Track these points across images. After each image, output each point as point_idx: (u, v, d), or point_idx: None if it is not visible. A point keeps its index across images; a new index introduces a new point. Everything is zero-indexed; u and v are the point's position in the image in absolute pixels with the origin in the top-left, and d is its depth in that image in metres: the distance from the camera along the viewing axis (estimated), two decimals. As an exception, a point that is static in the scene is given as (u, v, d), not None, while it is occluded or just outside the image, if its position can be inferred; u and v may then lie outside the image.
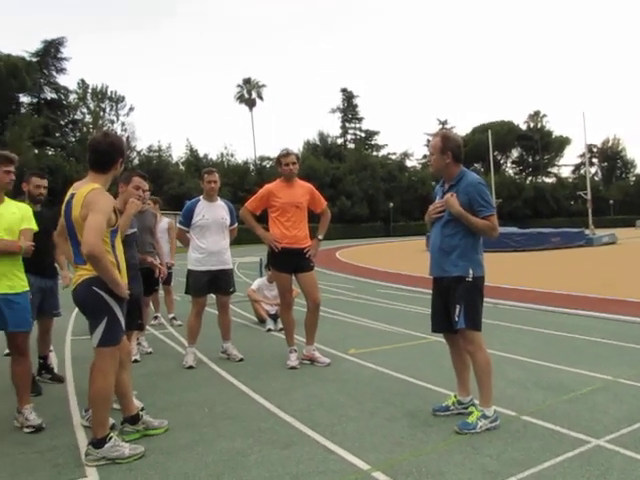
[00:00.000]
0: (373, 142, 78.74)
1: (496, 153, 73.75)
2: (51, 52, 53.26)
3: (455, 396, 4.03)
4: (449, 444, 3.45)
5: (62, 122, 54.08)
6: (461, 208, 3.72)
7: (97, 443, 3.30)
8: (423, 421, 3.87)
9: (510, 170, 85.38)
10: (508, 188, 68.28)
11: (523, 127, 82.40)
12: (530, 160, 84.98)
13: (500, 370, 4.95)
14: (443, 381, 4.70)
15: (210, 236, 5.74)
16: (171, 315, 8.42)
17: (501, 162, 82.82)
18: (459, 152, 3.84)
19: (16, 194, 4.77)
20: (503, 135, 74.25)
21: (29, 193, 4.99)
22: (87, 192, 3.26)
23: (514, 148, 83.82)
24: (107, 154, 3.42)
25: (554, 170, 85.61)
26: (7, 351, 4.57)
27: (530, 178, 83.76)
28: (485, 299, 3.89)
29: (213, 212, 5.80)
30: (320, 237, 5.72)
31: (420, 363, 5.49)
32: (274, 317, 7.77)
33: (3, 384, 4.75)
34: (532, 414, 3.91)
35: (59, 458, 3.41)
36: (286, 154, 5.55)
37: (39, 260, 4.34)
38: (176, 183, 51.77)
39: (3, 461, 3.39)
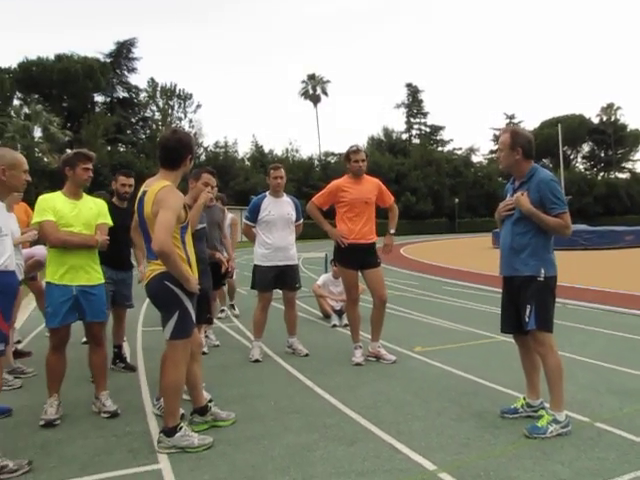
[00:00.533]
0: (438, 137, 77.42)
1: (566, 148, 70.93)
2: (123, 53, 55.41)
3: (524, 398, 3.92)
4: (518, 448, 3.36)
5: (133, 120, 56.14)
6: (532, 207, 3.60)
7: (168, 432, 3.42)
8: (491, 423, 3.79)
9: (580, 166, 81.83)
10: (578, 184, 65.49)
11: (595, 120, 78.72)
12: (602, 155, 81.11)
13: (570, 373, 4.77)
14: (511, 382, 4.58)
15: (276, 232, 5.81)
16: (232, 302, 8.78)
17: (571, 157, 79.48)
18: (530, 148, 3.72)
19: (92, 190, 5.01)
20: (573, 129, 71.15)
21: (116, 191, 5.25)
22: (158, 189, 3.36)
23: (585, 142, 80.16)
24: (176, 151, 3.50)
25: (628, 165, 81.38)
26: (84, 339, 4.82)
27: (602, 174, 79.96)
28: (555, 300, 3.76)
29: (279, 208, 5.87)
30: (392, 231, 5.70)
31: (488, 363, 5.37)
32: (339, 313, 7.79)
33: (81, 371, 5.00)
34: (607, 421, 3.75)
35: (134, 443, 3.56)
36: (356, 150, 5.54)
37: (114, 253, 4.52)
38: (242, 179, 52.66)
39: (84, 443, 3.59)
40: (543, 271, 3.63)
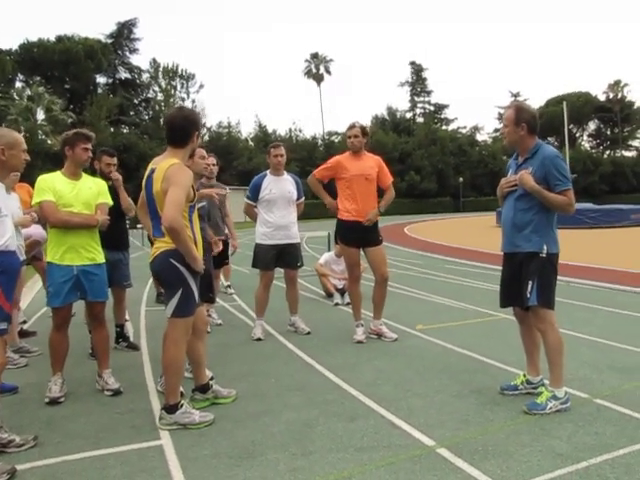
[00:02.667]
0: (442, 116, 76.79)
1: (571, 126, 70.15)
2: (124, 33, 55.08)
3: (524, 375, 3.94)
4: (517, 424, 3.38)
5: (135, 101, 56.01)
6: (535, 184, 3.57)
7: (169, 409, 3.45)
8: (491, 399, 3.81)
9: (586, 144, 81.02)
10: (584, 163, 64.84)
11: (601, 98, 77.70)
12: (608, 133, 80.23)
13: (572, 350, 4.78)
14: (512, 360, 4.59)
15: (277, 210, 5.80)
16: (227, 283, 8.87)
17: (577, 135, 78.63)
18: (534, 123, 3.68)
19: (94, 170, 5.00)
20: (579, 107, 70.27)
21: (100, 171, 5.20)
22: (167, 167, 3.35)
23: (591, 120, 79.18)
24: (183, 128, 3.49)
25: (635, 143, 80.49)
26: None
27: (608, 152, 79.21)
28: (558, 277, 3.75)
29: (280, 186, 5.85)
30: (381, 209, 5.58)
31: (489, 340, 5.38)
32: (341, 291, 7.82)
33: (85, 350, 5.04)
34: (606, 397, 3.76)
35: (136, 420, 3.60)
36: (351, 126, 5.52)
37: (110, 233, 4.53)
38: (245, 159, 52.56)
39: (88, 419, 3.64)
40: (545, 248, 3.61)
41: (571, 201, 3.59)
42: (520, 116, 3.65)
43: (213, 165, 6.14)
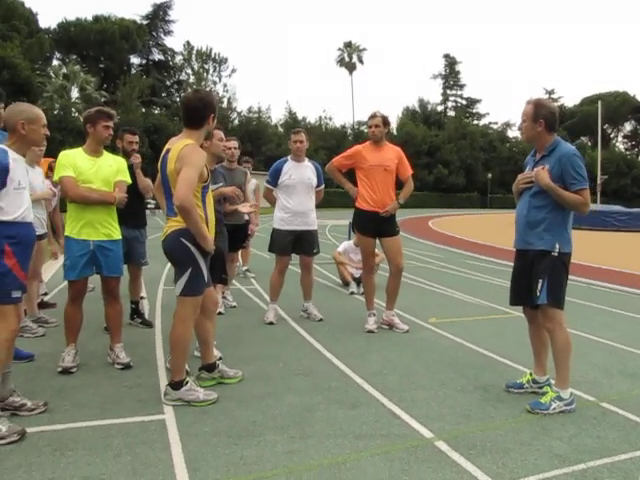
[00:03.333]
0: (474, 110, 75.81)
1: (606, 126, 68.64)
2: (159, 15, 55.38)
3: (531, 374, 3.91)
4: (518, 422, 3.36)
5: (168, 83, 56.32)
6: (551, 182, 3.52)
7: (175, 385, 3.53)
8: (495, 396, 3.80)
9: (621, 145, 79.25)
10: (617, 164, 63.41)
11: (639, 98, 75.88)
12: (645, 135, 78.41)
13: (584, 353, 4.75)
14: (521, 358, 4.56)
15: (296, 196, 5.82)
16: (245, 267, 8.98)
17: (611, 136, 76.91)
18: (553, 120, 3.62)
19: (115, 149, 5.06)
20: (615, 107, 68.60)
21: (123, 149, 5.28)
22: (182, 147, 3.40)
23: (627, 121, 77.35)
24: (198, 110, 3.53)
25: (673, 147, 78.52)
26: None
27: (643, 154, 77.48)
28: (579, 278, 3.73)
29: (300, 172, 5.86)
30: (401, 201, 5.59)
31: (500, 337, 5.35)
32: (358, 281, 7.81)
33: (100, 324, 5.15)
34: (613, 402, 3.71)
35: (143, 394, 3.69)
36: (372, 116, 5.51)
37: (127, 211, 4.59)
38: (274, 145, 52.59)
39: (97, 390, 3.75)
40: (558, 246, 3.57)
41: (586, 201, 3.54)
42: (538, 112, 3.59)
43: (235, 149, 6.18)
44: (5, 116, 3.28)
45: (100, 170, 4.20)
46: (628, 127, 79.04)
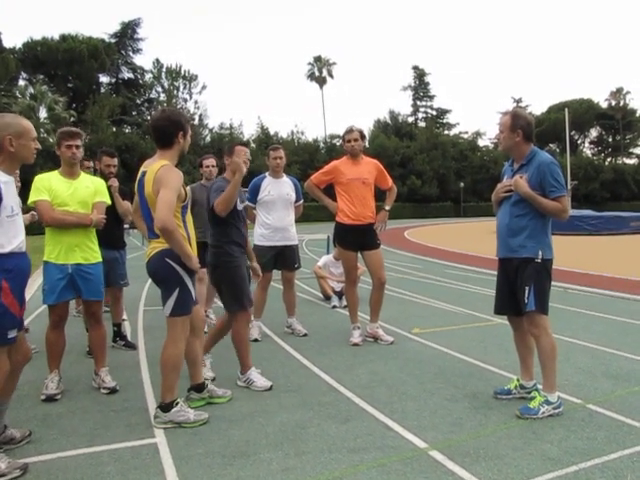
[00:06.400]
0: (444, 121, 76.75)
1: (573, 133, 70.20)
2: (128, 33, 55.09)
3: (518, 380, 3.96)
4: (509, 428, 3.40)
5: (138, 101, 55.94)
6: (530, 190, 3.60)
7: (165, 407, 3.48)
8: (484, 403, 3.83)
9: (588, 151, 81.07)
10: (585, 169, 64.78)
11: (604, 105, 77.86)
12: (610, 140, 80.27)
13: (567, 356, 4.82)
14: (507, 364, 4.62)
15: (275, 212, 5.83)
16: None
17: (578, 142, 78.63)
18: (530, 130, 3.71)
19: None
20: (581, 114, 70.41)
21: (100, 171, 5.23)
22: (157, 169, 3.38)
23: (593, 127, 79.26)
24: (166, 130, 3.50)
25: (636, 151, 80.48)
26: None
27: (609, 159, 79.28)
28: (555, 283, 3.79)
29: (279, 188, 5.88)
30: (387, 208, 5.66)
31: (484, 345, 5.41)
32: (339, 294, 7.83)
33: (83, 348, 5.06)
34: (599, 403, 3.78)
35: (131, 418, 3.63)
36: (349, 130, 5.55)
37: (107, 232, 4.54)
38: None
39: (85, 417, 3.67)
40: (541, 253, 3.64)
41: (565, 207, 3.63)
42: (516, 122, 3.68)
43: (212, 167, 6.18)
44: None
45: (76, 192, 4.14)
46: (594, 133, 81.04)
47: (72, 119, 40.47)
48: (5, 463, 2.84)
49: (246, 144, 4.76)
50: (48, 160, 28.74)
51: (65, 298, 4.11)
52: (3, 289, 2.84)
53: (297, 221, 6.17)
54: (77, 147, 4.15)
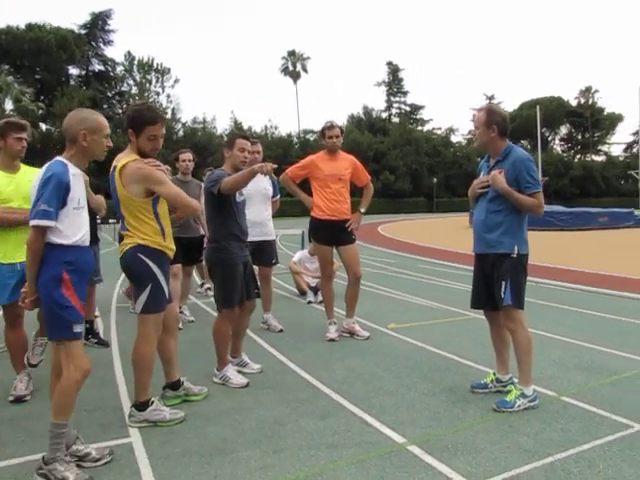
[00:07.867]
0: (418, 116, 77.22)
1: (544, 130, 71.36)
2: (98, 24, 53.98)
3: (494, 374, 4.00)
4: (486, 421, 3.43)
5: (109, 94, 55.01)
6: (507, 185, 3.63)
7: (140, 406, 3.42)
8: (461, 397, 3.86)
9: (558, 147, 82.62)
10: (555, 166, 66.04)
11: (573, 103, 79.29)
12: (579, 137, 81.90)
13: (541, 350, 4.88)
14: (482, 358, 4.66)
15: (252, 207, 5.73)
16: (207, 285, 8.55)
17: (549, 139, 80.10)
18: (505, 126, 3.74)
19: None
20: (552, 111, 71.68)
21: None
22: (121, 167, 3.29)
23: (563, 125, 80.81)
24: (128, 124, 3.40)
25: (604, 148, 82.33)
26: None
27: (579, 156, 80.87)
28: (529, 278, 3.82)
29: (256, 183, 5.75)
30: (362, 210, 5.68)
31: (460, 340, 5.44)
32: (315, 289, 7.82)
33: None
34: (573, 395, 3.84)
35: (105, 418, 3.55)
36: (330, 126, 5.51)
37: None
38: (220, 155, 51.72)
39: (54, 418, 3.55)
40: (516, 249, 3.67)
41: (540, 203, 3.67)
42: (491, 118, 3.70)
43: (189, 161, 6.10)
44: (65, 124, 2.94)
45: (20, 187, 3.90)
46: (564, 130, 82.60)
47: (40, 111, 39.68)
48: (74, 474, 2.72)
49: (247, 137, 4.67)
50: None
51: (17, 297, 3.96)
52: (64, 281, 2.75)
53: (272, 216, 6.12)
54: (26, 140, 3.99)
